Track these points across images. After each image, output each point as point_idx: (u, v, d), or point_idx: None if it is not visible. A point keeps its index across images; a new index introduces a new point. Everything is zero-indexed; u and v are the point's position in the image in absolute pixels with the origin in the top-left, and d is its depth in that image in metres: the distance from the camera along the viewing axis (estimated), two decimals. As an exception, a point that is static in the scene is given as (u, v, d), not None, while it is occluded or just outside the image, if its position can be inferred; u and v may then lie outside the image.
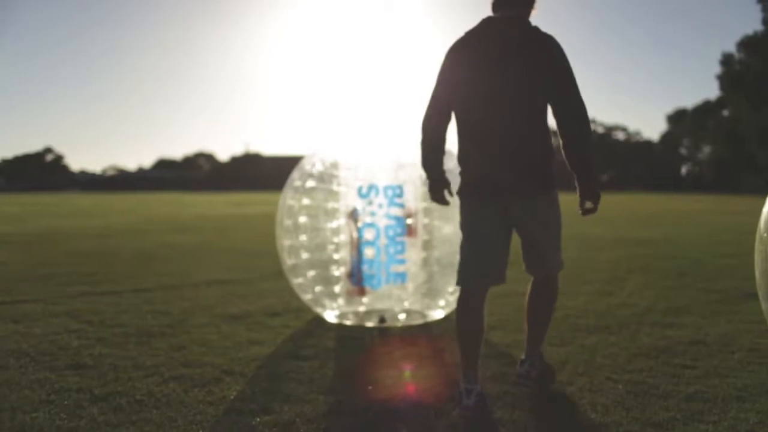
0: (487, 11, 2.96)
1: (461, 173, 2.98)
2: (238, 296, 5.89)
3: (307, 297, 4.86)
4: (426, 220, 4.89)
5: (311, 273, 4.80)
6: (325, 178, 4.85)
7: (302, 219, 4.79)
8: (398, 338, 4.34)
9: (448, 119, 2.96)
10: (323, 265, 4.79)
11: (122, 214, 22.16)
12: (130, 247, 10.32)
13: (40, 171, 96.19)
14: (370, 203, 4.52)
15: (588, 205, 2.89)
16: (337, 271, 4.82)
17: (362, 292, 4.68)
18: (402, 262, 4.54)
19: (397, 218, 4.52)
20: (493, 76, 2.79)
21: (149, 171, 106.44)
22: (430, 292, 4.94)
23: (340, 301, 4.86)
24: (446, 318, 4.91)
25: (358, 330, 4.58)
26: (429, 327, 4.70)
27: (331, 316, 4.84)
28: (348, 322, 4.75)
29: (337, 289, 4.82)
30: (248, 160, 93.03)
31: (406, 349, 4.05)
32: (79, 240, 11.82)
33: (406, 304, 4.81)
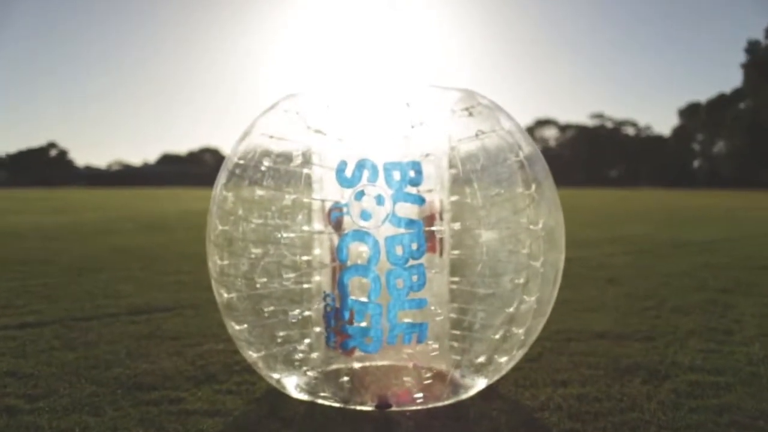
0: None
1: None
2: (166, 338, 3.87)
3: (254, 355, 2.83)
4: (457, 225, 2.86)
5: (261, 315, 2.77)
6: (285, 153, 2.81)
7: (245, 224, 2.76)
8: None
9: None
10: (279, 302, 2.76)
11: (101, 210, 20.16)
12: (72, 253, 8.29)
13: (44, 166, 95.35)
14: (362, 195, 2.48)
15: None
16: (307, 312, 2.80)
17: (349, 353, 2.65)
18: (420, 304, 2.49)
19: (410, 222, 2.48)
20: None
21: (153, 166, 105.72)
22: (464, 346, 2.92)
23: (311, 362, 2.83)
24: (492, 391, 2.89)
25: (341, 421, 2.55)
26: (464, 413, 2.67)
27: (294, 386, 2.82)
28: (323, 401, 2.73)
29: (304, 343, 2.80)
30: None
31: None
32: (20, 241, 9.81)
33: (427, 377, 2.75)
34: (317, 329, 2.85)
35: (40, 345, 3.69)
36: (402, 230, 2.46)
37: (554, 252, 2.93)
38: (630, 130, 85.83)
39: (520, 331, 2.86)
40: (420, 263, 2.47)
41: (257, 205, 2.77)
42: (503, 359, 2.87)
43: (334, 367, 2.94)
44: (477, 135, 2.88)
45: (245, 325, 2.82)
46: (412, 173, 2.46)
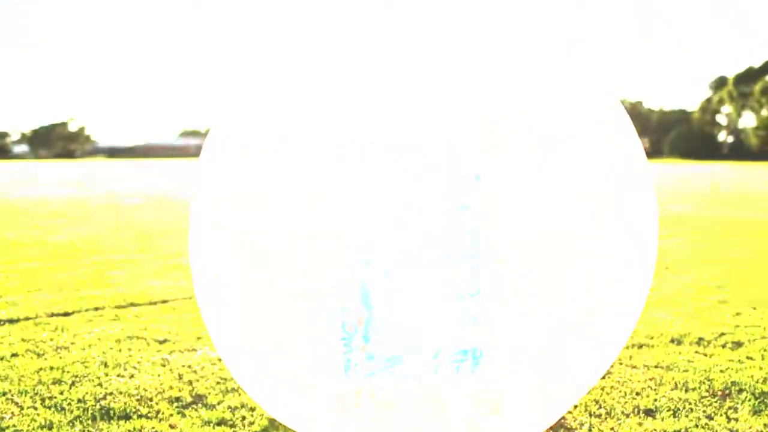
0: None
1: None
2: (153, 341, 3.24)
3: (246, 378, 2.18)
4: (512, 212, 2.15)
5: (259, 324, 2.11)
6: (291, 126, 2.13)
7: (237, 206, 2.08)
8: None
9: None
10: (281, 307, 2.08)
11: (113, 183, 19.63)
12: (71, 231, 7.69)
13: (66, 140, 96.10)
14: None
15: None
16: (319, 322, 2.13)
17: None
18: (473, 319, 1.81)
19: (462, 208, 1.78)
20: None
21: (174, 140, 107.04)
22: (513, 362, 2.23)
23: (324, 387, 2.17)
24: (560, 424, 2.22)
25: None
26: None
27: (302, 418, 2.16)
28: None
29: (316, 363, 2.13)
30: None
31: None
32: (18, 218, 9.25)
33: (474, 419, 2.06)
34: (332, 342, 2.18)
35: (1, 350, 3.08)
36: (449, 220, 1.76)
37: (641, 248, 2.24)
38: (654, 104, 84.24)
39: (590, 344, 2.18)
40: (475, 263, 1.78)
41: (253, 182, 2.09)
42: (568, 393, 2.20)
43: (353, 390, 2.27)
44: (539, 103, 2.19)
45: (238, 338, 2.16)
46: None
